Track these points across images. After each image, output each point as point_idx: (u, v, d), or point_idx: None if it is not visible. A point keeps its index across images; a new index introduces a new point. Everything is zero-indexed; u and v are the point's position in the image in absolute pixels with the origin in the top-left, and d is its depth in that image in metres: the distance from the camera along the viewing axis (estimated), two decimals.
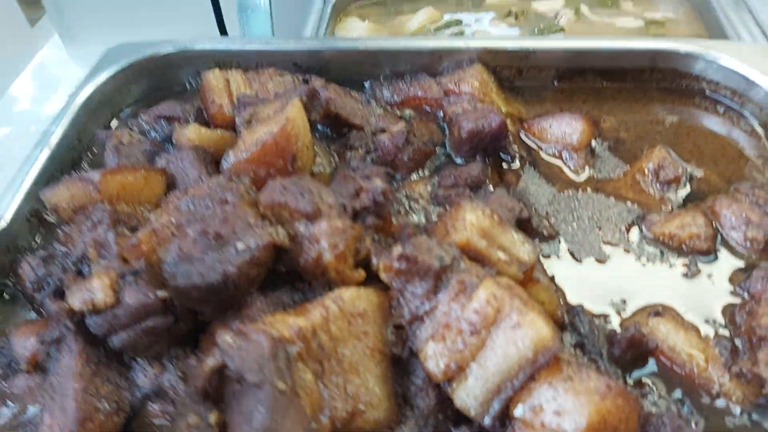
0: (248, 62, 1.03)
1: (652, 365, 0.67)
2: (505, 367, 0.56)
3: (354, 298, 0.60)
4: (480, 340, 0.58)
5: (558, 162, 0.89)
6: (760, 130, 0.91)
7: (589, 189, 0.84)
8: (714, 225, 0.77)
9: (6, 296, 0.79)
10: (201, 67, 1.03)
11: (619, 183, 0.84)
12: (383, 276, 0.63)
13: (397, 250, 0.62)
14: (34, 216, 0.84)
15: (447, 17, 1.70)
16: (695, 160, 0.88)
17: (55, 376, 0.63)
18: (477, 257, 0.64)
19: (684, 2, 1.65)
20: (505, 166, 0.89)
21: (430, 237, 0.64)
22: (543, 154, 0.90)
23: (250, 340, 0.52)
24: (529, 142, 0.93)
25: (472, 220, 0.66)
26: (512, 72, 1.01)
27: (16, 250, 0.81)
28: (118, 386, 0.64)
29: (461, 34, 1.61)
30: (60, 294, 0.72)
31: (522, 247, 0.67)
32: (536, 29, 1.60)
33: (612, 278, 0.75)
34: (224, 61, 1.03)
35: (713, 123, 0.94)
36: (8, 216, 0.80)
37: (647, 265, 0.76)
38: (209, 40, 1.04)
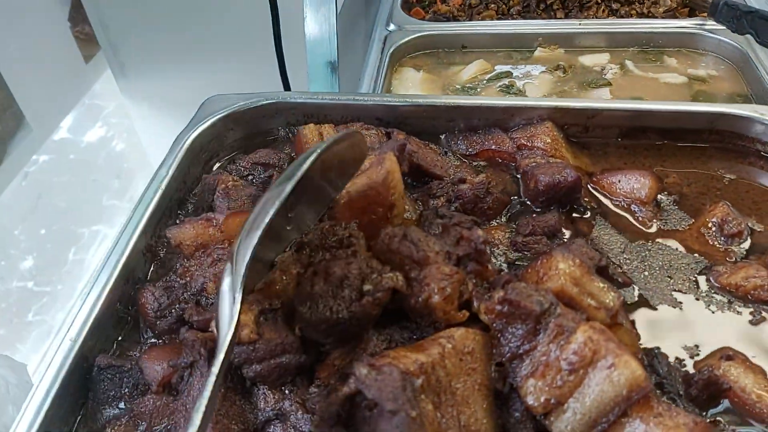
0: (334, 115, 1.12)
1: (724, 404, 0.73)
2: (602, 403, 0.63)
3: (464, 337, 0.67)
4: (578, 378, 0.64)
5: (627, 214, 0.96)
6: None
7: (658, 240, 0.91)
8: None
9: (129, 323, 0.87)
10: (290, 118, 1.13)
11: (685, 235, 0.91)
12: (483, 317, 0.70)
13: (499, 294, 0.69)
14: (149, 251, 0.93)
15: (498, 69, 1.80)
16: (755, 215, 0.95)
17: (189, 397, 0.71)
18: (570, 303, 0.72)
19: (725, 60, 1.74)
20: (578, 216, 0.97)
21: (526, 283, 0.72)
22: (612, 206, 0.97)
23: (383, 372, 0.59)
24: (598, 195, 1.00)
25: (564, 269, 0.73)
26: (579, 129, 1.09)
27: (134, 281, 0.89)
28: (243, 409, 0.72)
29: (512, 86, 1.71)
30: (181, 322, 0.81)
31: (607, 294, 0.74)
32: (584, 82, 1.69)
33: (684, 324, 0.81)
34: (312, 113, 1.12)
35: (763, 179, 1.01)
36: (128, 250, 0.89)
37: (716, 313, 0.82)
38: (299, 94, 1.14)
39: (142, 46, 2.80)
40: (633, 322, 0.77)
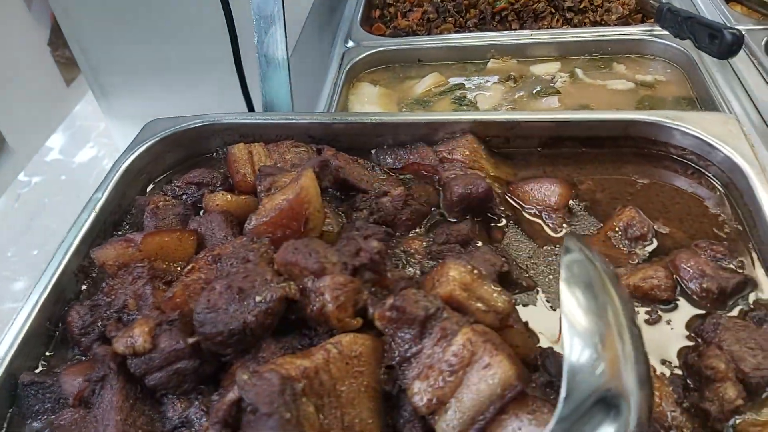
0: (268, 133, 1.17)
1: None
2: (478, 401, 0.67)
3: (351, 342, 0.71)
4: (458, 378, 0.68)
5: (538, 220, 1.00)
6: (721, 189, 1.02)
7: None
8: (674, 277, 0.87)
9: (56, 340, 0.91)
10: (227, 138, 1.17)
11: (592, 239, 0.95)
12: (377, 324, 0.74)
13: (389, 301, 0.73)
14: (81, 272, 0.97)
15: (452, 81, 1.85)
16: (663, 218, 0.99)
17: (99, 410, 0.75)
18: (458, 307, 0.75)
19: (673, 66, 1.78)
20: (492, 224, 1.01)
21: (420, 290, 0.76)
22: (525, 214, 1.01)
23: (263, 378, 0.63)
24: (514, 203, 1.04)
25: (454, 276, 0.77)
26: (500, 140, 1.13)
27: (64, 301, 0.93)
28: (152, 419, 0.75)
29: (464, 97, 1.76)
30: (103, 339, 0.85)
31: (498, 298, 0.78)
32: (534, 92, 1.73)
33: None
34: (247, 133, 1.17)
35: (681, 183, 1.04)
36: (59, 272, 0.93)
37: None
38: (233, 115, 1.19)
39: (122, 68, 2.86)
40: (526, 324, 0.81)
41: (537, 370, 0.77)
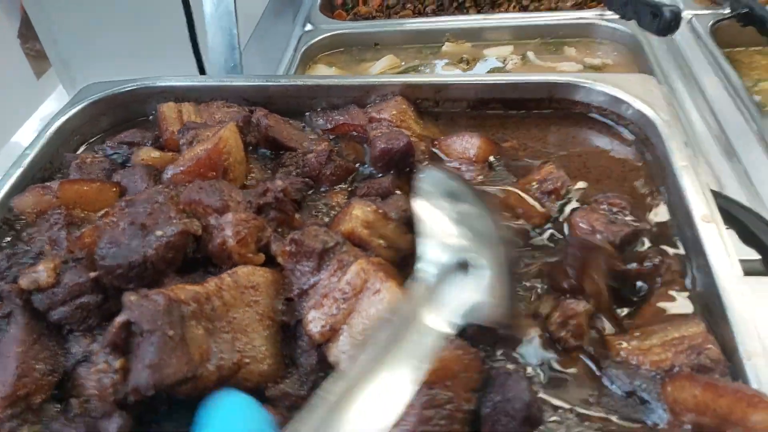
0: (203, 97, 1.18)
1: None
2: (369, 325, 0.68)
3: (248, 273, 0.72)
4: (350, 305, 0.70)
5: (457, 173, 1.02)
6: (637, 145, 1.04)
7: None
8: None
9: None
10: (162, 101, 1.18)
11: (508, 192, 0.97)
12: (279, 259, 0.76)
13: (290, 236, 0.75)
14: (5, 224, 0.98)
15: (407, 64, 1.87)
16: (582, 177, 1.01)
17: (2, 344, 0.75)
18: (360, 244, 0.77)
19: (622, 48, 1.82)
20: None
21: (321, 227, 0.77)
22: (447, 167, 1.03)
23: (150, 299, 0.64)
24: (438, 157, 1.06)
25: (357, 214, 0.79)
26: (430, 103, 1.15)
27: None
28: (56, 353, 0.76)
29: None
30: (15, 281, 0.85)
31: (401, 237, 0.80)
32: (485, 72, 1.76)
33: None
34: (183, 96, 1.18)
35: (601, 143, 1.07)
36: None
37: None
38: (169, 78, 1.20)
39: (93, 62, 2.86)
40: None
41: None
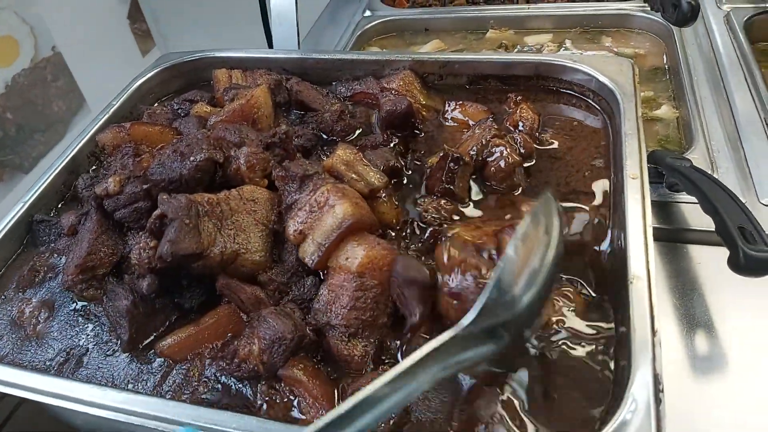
0: (251, 66, 1.44)
1: None
2: (325, 231, 0.91)
3: (252, 190, 0.97)
4: (315, 216, 0.92)
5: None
6: (605, 117, 1.20)
7: None
8: None
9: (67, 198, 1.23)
10: (219, 68, 1.46)
11: None
12: (276, 183, 1.00)
13: (283, 164, 0.99)
14: (92, 155, 1.29)
15: (450, 49, 2.05)
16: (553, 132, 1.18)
17: (80, 234, 1.05)
18: (337, 176, 1.00)
19: (654, 38, 1.91)
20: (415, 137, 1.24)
21: (308, 160, 1.01)
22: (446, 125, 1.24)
23: (176, 198, 0.90)
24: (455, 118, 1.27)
25: (339, 153, 1.02)
26: (435, 77, 1.35)
27: (77, 173, 1.25)
28: (117, 242, 1.04)
29: None
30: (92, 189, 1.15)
31: (374, 175, 1.02)
32: None
33: None
34: (236, 65, 1.45)
35: (578, 115, 1.23)
36: (74, 151, 1.25)
37: None
38: (226, 50, 1.47)
39: (191, 42, 3.25)
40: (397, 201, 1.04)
41: (399, 231, 1.00)
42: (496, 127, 1.09)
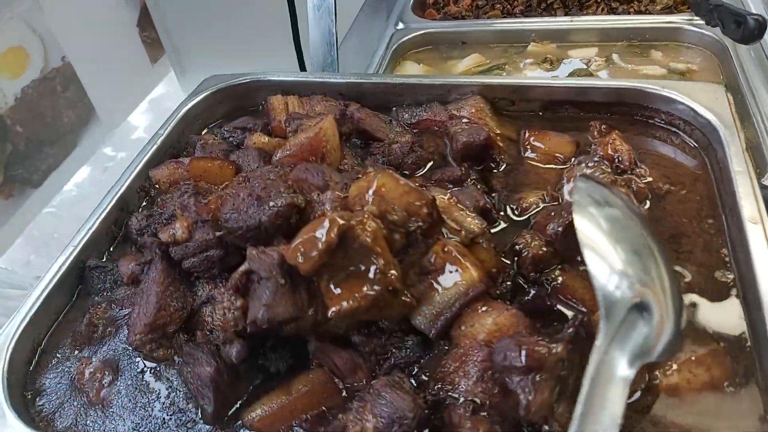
0: (305, 90, 1.35)
1: None
2: (447, 300, 0.83)
3: None
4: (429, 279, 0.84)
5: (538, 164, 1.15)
6: (701, 152, 1.12)
7: None
8: None
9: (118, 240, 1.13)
10: (270, 93, 1.36)
11: None
12: None
13: None
14: (142, 190, 1.19)
15: (490, 63, 1.97)
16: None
17: (145, 285, 0.95)
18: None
19: (707, 54, 1.84)
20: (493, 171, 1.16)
21: None
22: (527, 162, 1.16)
23: (267, 254, 0.81)
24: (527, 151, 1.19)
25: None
26: (506, 102, 1.27)
27: (127, 211, 1.15)
28: (185, 294, 0.95)
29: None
30: (154, 236, 1.05)
31: (472, 221, 0.93)
32: (568, 73, 1.83)
33: None
34: (288, 89, 1.35)
35: (665, 149, 1.15)
36: (124, 187, 1.15)
37: None
38: (277, 73, 1.38)
39: (201, 50, 3.15)
40: (495, 246, 0.95)
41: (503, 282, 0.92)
42: (608, 168, 1.01)
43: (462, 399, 0.76)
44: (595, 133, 1.17)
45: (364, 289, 0.76)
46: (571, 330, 0.76)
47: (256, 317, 0.77)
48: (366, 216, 0.79)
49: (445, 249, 0.87)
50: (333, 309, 0.76)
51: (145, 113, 3.86)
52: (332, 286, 0.77)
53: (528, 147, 1.19)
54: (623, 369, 0.66)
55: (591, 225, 0.75)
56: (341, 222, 0.76)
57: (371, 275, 0.77)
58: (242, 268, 0.83)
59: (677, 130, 1.16)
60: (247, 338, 0.81)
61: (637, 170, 1.07)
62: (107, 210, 1.11)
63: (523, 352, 0.71)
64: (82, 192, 2.97)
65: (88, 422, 0.86)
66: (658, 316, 0.70)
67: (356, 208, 0.85)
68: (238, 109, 1.40)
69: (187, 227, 0.95)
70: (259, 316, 0.77)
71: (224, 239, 0.92)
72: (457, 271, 0.84)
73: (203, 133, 1.36)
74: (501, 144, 1.20)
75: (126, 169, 1.18)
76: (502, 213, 1.07)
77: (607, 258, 0.72)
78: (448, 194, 0.95)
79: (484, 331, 0.79)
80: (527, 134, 1.19)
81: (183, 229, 0.94)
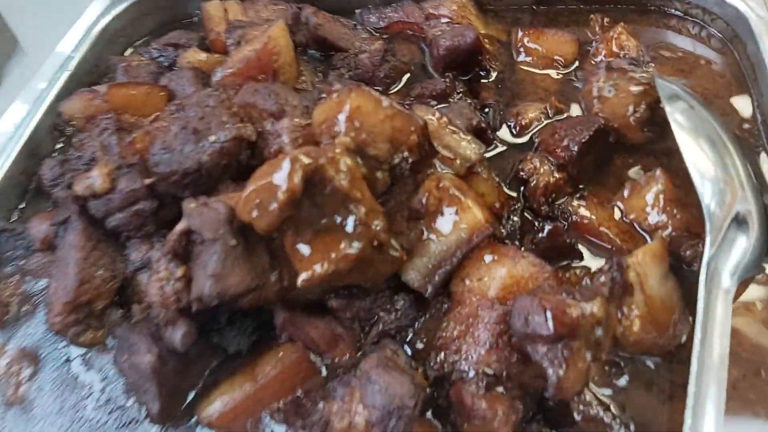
0: None
1: None
2: (445, 249, 0.65)
3: None
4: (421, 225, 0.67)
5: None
6: (726, 43, 0.94)
7: None
8: None
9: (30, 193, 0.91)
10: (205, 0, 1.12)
11: None
12: None
13: None
14: (56, 129, 0.96)
15: None
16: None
17: (62, 250, 0.75)
18: None
19: None
20: (482, 80, 0.96)
21: None
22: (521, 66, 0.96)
23: (210, 207, 0.62)
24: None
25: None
26: None
27: (38, 156, 0.93)
28: (115, 260, 0.76)
29: None
30: (70, 188, 0.84)
31: (468, 147, 0.75)
32: None
33: None
34: None
35: (682, 42, 0.97)
36: (32, 126, 0.92)
37: None
38: None
39: None
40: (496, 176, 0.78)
41: (501, 217, 0.75)
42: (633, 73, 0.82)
43: (473, 372, 0.60)
44: (597, 28, 0.97)
45: (342, 246, 0.58)
46: (605, 280, 0.60)
47: (201, 293, 0.59)
48: (339, 151, 0.59)
49: (440, 185, 0.69)
50: (303, 276, 0.58)
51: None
52: (300, 246, 0.59)
53: (522, 49, 0.99)
54: (726, 281, 0.67)
55: (689, 138, 0.75)
56: (306, 161, 0.57)
57: (350, 228, 0.58)
58: (179, 226, 0.63)
59: (697, 21, 0.97)
60: (193, 316, 0.63)
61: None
62: (12, 158, 0.89)
63: (550, 316, 0.55)
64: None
65: (5, 428, 0.69)
66: (756, 232, 0.71)
67: (324, 140, 0.65)
68: (169, 22, 1.15)
69: (108, 174, 0.74)
70: (206, 291, 0.59)
71: (156, 188, 0.72)
72: (456, 212, 0.67)
73: (127, 53, 1.11)
74: (490, 47, 1.00)
75: (32, 104, 0.95)
76: (497, 132, 0.88)
77: (707, 172, 0.73)
78: (437, 114, 0.75)
79: (495, 286, 0.62)
80: (520, 34, 0.99)
81: (102, 177, 0.74)
